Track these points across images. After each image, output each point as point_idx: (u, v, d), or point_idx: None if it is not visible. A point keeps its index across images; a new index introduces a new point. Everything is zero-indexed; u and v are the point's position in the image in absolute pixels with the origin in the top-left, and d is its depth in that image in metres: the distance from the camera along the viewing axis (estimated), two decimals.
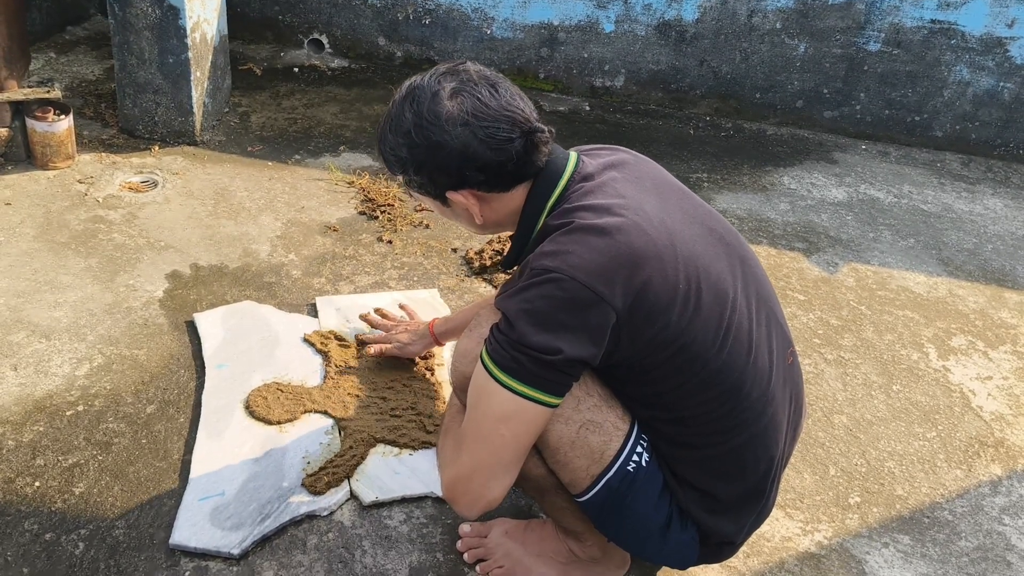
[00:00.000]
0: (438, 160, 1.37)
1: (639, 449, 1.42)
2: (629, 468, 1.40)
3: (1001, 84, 3.84)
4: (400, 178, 1.46)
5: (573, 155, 1.45)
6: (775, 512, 1.88)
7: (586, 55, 3.93)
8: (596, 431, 1.40)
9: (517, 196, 1.43)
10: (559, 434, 1.40)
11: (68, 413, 1.91)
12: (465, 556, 1.70)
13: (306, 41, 4.01)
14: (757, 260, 1.51)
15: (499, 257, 2.59)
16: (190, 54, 2.92)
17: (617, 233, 1.30)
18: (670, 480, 1.43)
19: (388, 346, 2.08)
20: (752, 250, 1.52)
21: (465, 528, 1.74)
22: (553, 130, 1.41)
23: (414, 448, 1.90)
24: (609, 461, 1.40)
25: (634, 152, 1.53)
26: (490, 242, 2.67)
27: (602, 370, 1.38)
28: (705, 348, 1.33)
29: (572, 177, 1.42)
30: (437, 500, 1.82)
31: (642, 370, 1.36)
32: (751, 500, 1.47)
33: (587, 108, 3.93)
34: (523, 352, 1.27)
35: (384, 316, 2.21)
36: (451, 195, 1.41)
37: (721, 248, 1.41)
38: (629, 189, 1.38)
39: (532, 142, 1.37)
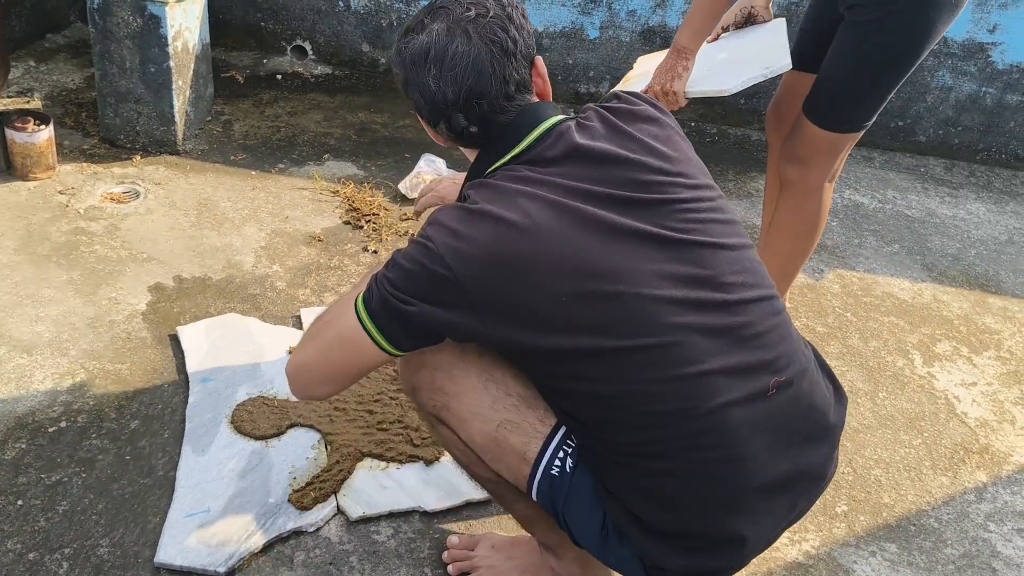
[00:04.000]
0: (404, 76, 1.36)
1: (561, 454, 1.36)
2: (553, 472, 1.36)
3: (983, 89, 3.87)
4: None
5: (546, 124, 1.35)
6: None
7: (571, 61, 3.93)
8: (515, 431, 1.37)
9: (479, 153, 1.39)
10: (480, 431, 1.39)
11: (51, 429, 1.89)
12: (449, 568, 1.70)
13: (289, 48, 3.99)
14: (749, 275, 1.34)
15: None
16: (172, 63, 2.90)
17: (499, 225, 1.24)
18: (600, 490, 1.36)
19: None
20: (753, 273, 1.35)
21: (453, 540, 1.73)
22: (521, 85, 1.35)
23: (401, 462, 1.89)
24: (532, 463, 1.37)
25: (655, 126, 1.39)
26: None
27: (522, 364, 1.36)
28: (604, 368, 1.26)
29: (523, 151, 1.34)
30: (425, 515, 1.81)
31: (536, 371, 1.34)
32: (697, 541, 1.31)
33: (572, 114, 3.92)
34: (384, 291, 1.27)
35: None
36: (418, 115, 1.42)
37: (685, 275, 1.28)
38: (562, 197, 1.28)
39: (482, 115, 1.33)
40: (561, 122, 1.36)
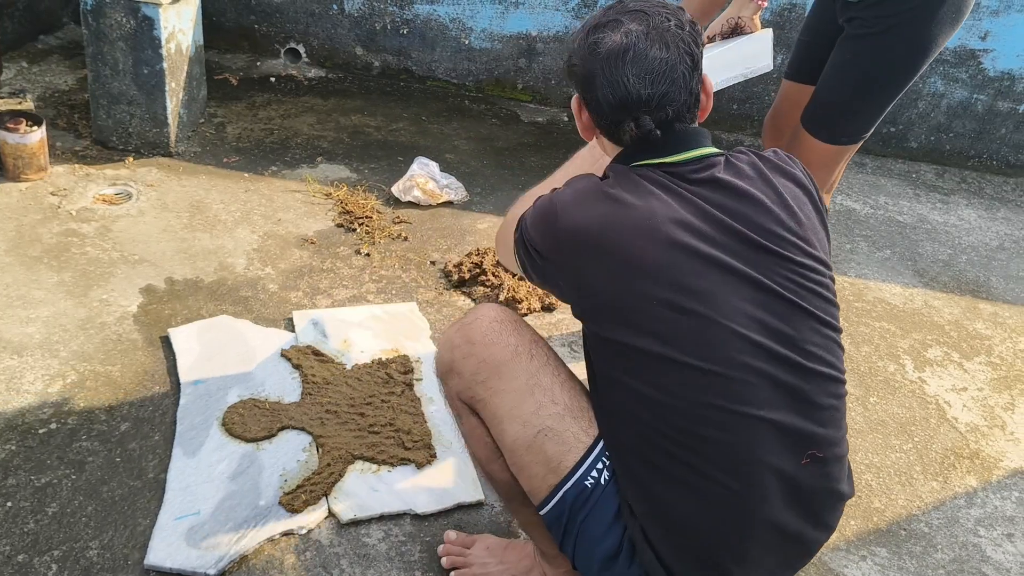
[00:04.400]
0: (584, 70, 1.39)
1: (600, 466, 1.38)
2: (587, 483, 1.37)
3: (975, 96, 3.88)
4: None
5: (702, 151, 1.39)
6: None
7: (565, 65, 3.93)
8: (554, 439, 1.38)
9: (629, 144, 1.43)
10: (515, 435, 1.40)
11: (40, 431, 1.88)
12: (443, 561, 1.71)
13: (283, 51, 3.99)
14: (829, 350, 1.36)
15: (477, 270, 2.59)
16: (165, 65, 2.90)
17: (621, 214, 1.31)
18: (624, 510, 1.38)
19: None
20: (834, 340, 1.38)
21: (451, 535, 1.74)
22: (670, 115, 1.38)
23: (392, 465, 1.89)
24: (566, 472, 1.38)
25: (792, 186, 1.43)
26: (468, 255, 2.67)
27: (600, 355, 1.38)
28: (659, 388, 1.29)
29: (672, 164, 1.38)
30: (415, 518, 1.81)
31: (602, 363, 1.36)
32: (699, 565, 1.35)
33: (565, 119, 3.93)
34: (520, 231, 1.42)
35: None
36: (574, 102, 1.47)
37: (771, 323, 1.31)
38: (687, 212, 1.33)
39: (645, 125, 1.37)
40: (714, 155, 1.40)
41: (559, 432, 1.38)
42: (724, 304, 1.27)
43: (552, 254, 1.35)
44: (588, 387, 1.46)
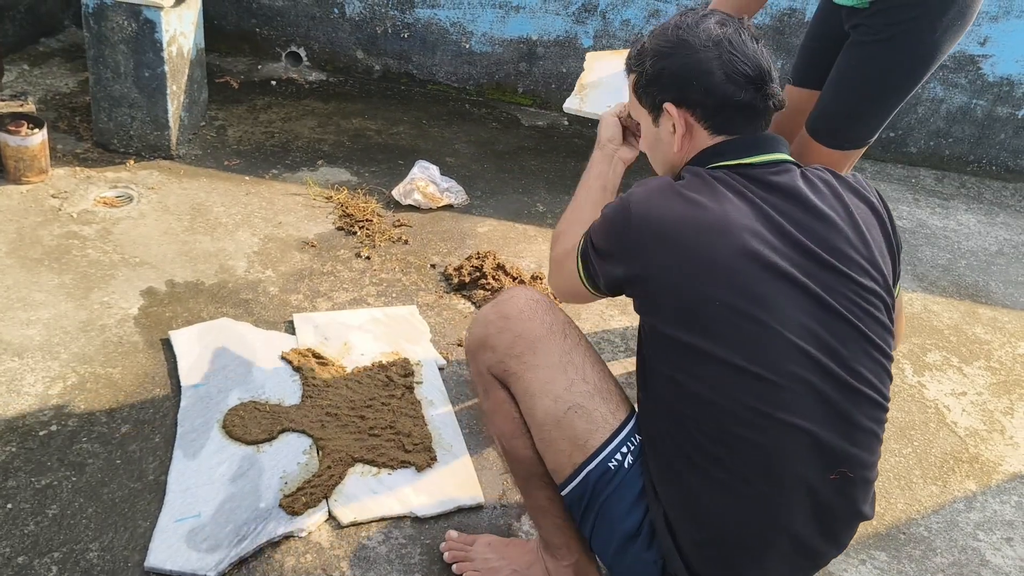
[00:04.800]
0: (678, 61, 1.44)
1: (624, 449, 1.42)
2: (611, 464, 1.41)
3: (974, 101, 3.89)
4: (633, 78, 1.54)
5: (780, 156, 1.45)
6: None
7: (564, 70, 3.94)
8: (584, 417, 1.42)
9: (711, 146, 1.47)
10: (546, 408, 1.43)
11: (41, 433, 1.88)
12: (445, 555, 1.72)
13: (284, 54, 3.99)
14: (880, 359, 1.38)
15: (478, 273, 2.59)
16: (166, 68, 2.90)
17: (697, 213, 1.33)
18: (649, 493, 1.41)
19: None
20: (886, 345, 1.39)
21: (453, 534, 1.76)
22: (784, 102, 1.46)
23: (393, 468, 1.89)
24: (592, 451, 1.41)
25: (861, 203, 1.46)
26: (469, 258, 2.67)
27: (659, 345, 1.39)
28: (717, 388, 1.31)
29: (751, 165, 1.42)
30: (416, 520, 1.81)
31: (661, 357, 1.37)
32: (716, 563, 1.37)
33: (565, 123, 3.94)
34: (587, 240, 1.46)
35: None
36: (668, 107, 1.47)
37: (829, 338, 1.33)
38: (759, 222, 1.35)
39: (763, 95, 1.42)
40: (789, 162, 1.45)
41: (589, 410, 1.42)
42: (783, 314, 1.30)
43: (623, 247, 1.37)
44: (637, 378, 1.48)
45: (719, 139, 1.46)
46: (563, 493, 1.47)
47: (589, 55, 2.16)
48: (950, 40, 2.03)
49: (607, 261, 1.41)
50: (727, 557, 1.36)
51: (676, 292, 1.32)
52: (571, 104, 2.06)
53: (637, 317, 1.43)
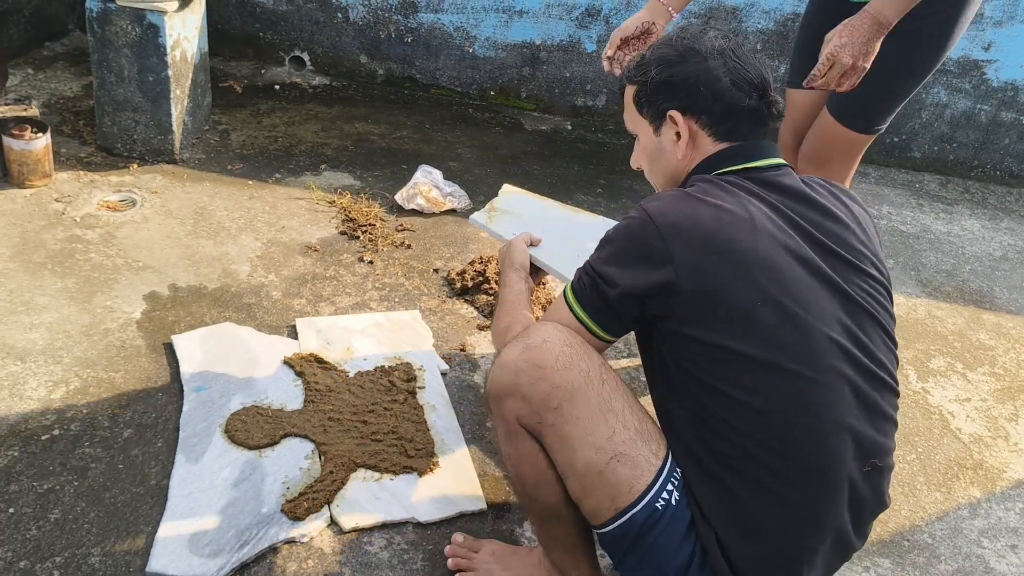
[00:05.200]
0: (685, 69, 1.48)
1: (670, 487, 1.38)
2: (657, 505, 1.37)
3: (978, 106, 3.89)
4: (634, 89, 1.56)
5: (780, 160, 1.49)
6: None
7: (568, 74, 3.94)
8: (627, 464, 1.37)
9: (714, 153, 1.49)
10: (588, 461, 1.38)
11: (43, 437, 1.88)
12: (449, 563, 1.71)
13: (287, 58, 4.00)
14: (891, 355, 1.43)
15: (480, 278, 2.59)
16: (170, 72, 2.91)
17: (723, 213, 1.35)
18: (697, 518, 1.39)
19: None
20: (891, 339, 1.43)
21: (458, 538, 1.75)
22: (783, 109, 1.52)
23: (395, 473, 1.89)
24: (637, 495, 1.37)
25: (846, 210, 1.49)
26: (472, 263, 2.67)
27: (672, 364, 1.39)
28: (758, 386, 1.31)
29: (756, 169, 1.46)
30: (418, 526, 1.80)
31: (694, 365, 1.36)
32: (762, 569, 1.37)
33: (569, 127, 3.94)
34: (591, 276, 1.42)
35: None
36: (674, 115, 1.49)
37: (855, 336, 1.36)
38: (778, 217, 1.39)
39: (767, 102, 1.48)
40: (787, 166, 1.50)
41: (632, 457, 1.38)
42: (818, 309, 1.32)
43: (648, 255, 1.35)
44: (650, 390, 1.48)
45: (723, 145, 1.48)
46: (602, 532, 1.42)
47: (506, 186, 2.22)
48: (964, 30, 2.15)
49: (627, 275, 1.36)
50: (780, 564, 1.36)
51: (715, 294, 1.31)
52: (478, 218, 2.09)
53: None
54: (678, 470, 1.41)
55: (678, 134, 1.50)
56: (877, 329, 1.38)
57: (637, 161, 1.64)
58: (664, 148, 1.54)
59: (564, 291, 1.48)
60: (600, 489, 1.39)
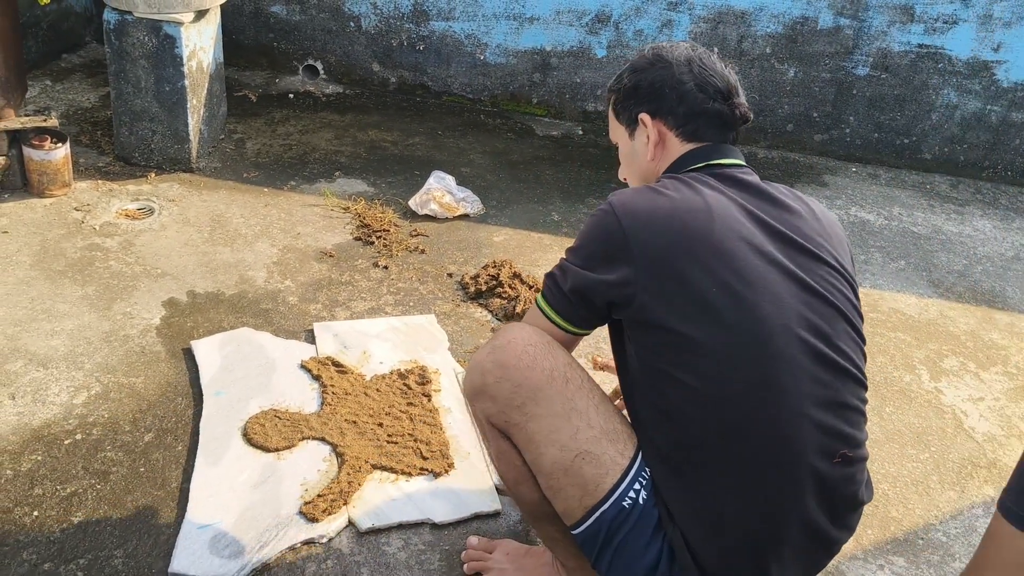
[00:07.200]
0: (654, 75, 1.55)
1: (637, 486, 1.40)
2: (624, 504, 1.39)
3: (988, 107, 3.89)
4: (612, 98, 1.63)
5: (741, 161, 1.55)
6: None
7: (578, 80, 3.97)
8: (592, 462, 1.39)
9: (682, 154, 1.55)
10: (553, 459, 1.40)
11: (66, 442, 1.91)
12: (464, 567, 1.73)
13: (301, 67, 4.04)
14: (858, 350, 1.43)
15: (494, 282, 2.61)
16: (186, 82, 2.95)
17: (681, 203, 1.39)
18: (664, 517, 1.40)
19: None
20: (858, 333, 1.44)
21: (473, 541, 1.77)
22: (750, 116, 1.57)
23: (411, 474, 1.91)
24: (604, 494, 1.39)
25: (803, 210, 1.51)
26: (485, 267, 2.69)
27: (636, 357, 1.40)
28: (712, 372, 1.32)
29: (720, 166, 1.51)
30: (434, 527, 1.82)
31: (655, 352, 1.37)
32: (736, 566, 1.38)
33: (580, 132, 3.96)
34: (560, 270, 1.46)
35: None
36: (643, 118, 1.56)
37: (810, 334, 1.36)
38: (738, 212, 1.42)
39: (731, 105, 1.54)
40: (748, 166, 1.55)
41: (596, 455, 1.39)
42: (775, 297, 1.33)
43: (615, 248, 1.38)
44: (623, 395, 1.49)
45: (690, 146, 1.54)
46: (575, 532, 1.44)
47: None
48: None
49: (596, 271, 1.40)
50: (743, 559, 1.36)
51: (672, 281, 1.34)
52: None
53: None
54: (646, 470, 1.41)
55: (648, 136, 1.56)
56: (839, 320, 1.38)
57: (622, 172, 1.69)
58: (637, 151, 1.60)
59: (536, 297, 1.53)
60: (568, 488, 1.41)
